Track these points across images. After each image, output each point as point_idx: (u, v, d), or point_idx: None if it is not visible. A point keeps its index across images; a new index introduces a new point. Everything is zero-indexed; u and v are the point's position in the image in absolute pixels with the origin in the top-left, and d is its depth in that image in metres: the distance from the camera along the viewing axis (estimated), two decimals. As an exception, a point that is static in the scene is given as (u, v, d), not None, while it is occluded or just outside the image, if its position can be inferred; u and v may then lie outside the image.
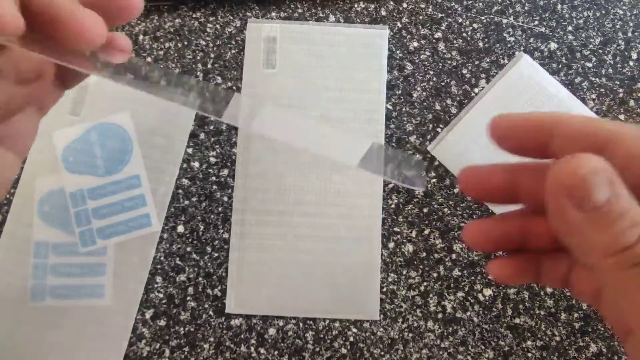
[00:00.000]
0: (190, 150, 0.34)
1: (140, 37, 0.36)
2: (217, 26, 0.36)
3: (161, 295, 0.33)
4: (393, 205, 0.34)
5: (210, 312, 0.32)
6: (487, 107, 0.35)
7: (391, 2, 0.37)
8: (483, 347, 0.32)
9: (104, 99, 0.35)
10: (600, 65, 0.36)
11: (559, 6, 0.37)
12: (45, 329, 0.32)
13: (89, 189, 0.33)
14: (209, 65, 0.36)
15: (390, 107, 0.35)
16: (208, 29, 0.36)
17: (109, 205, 0.33)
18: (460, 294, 0.33)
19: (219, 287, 0.33)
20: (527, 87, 0.35)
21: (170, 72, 0.19)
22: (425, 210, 0.34)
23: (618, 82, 0.36)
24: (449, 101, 0.36)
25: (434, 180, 0.34)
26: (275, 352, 0.32)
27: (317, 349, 0.32)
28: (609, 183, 0.16)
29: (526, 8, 0.37)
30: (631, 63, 0.36)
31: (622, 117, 0.35)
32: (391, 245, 0.33)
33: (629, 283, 0.16)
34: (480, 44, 0.36)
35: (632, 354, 0.18)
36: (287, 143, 0.19)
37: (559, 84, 0.35)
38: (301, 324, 0.32)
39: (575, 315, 0.33)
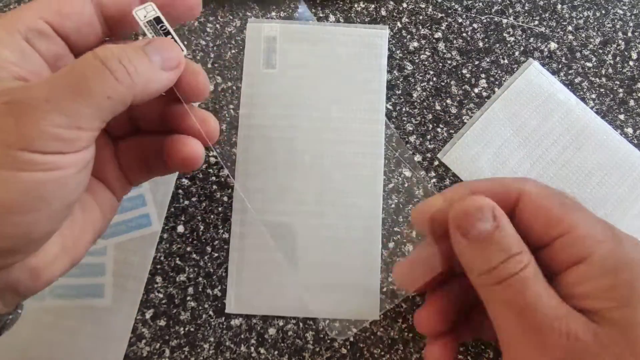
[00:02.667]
0: (190, 150, 0.34)
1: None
2: (217, 26, 0.36)
3: (161, 295, 0.33)
4: (393, 205, 0.34)
5: (210, 312, 0.32)
6: (496, 114, 0.35)
7: (391, 2, 0.37)
8: (483, 347, 0.32)
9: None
10: (600, 65, 0.36)
11: (559, 6, 0.37)
12: (45, 329, 0.32)
13: (89, 189, 0.33)
14: (209, 65, 0.36)
15: (390, 107, 0.35)
16: (208, 29, 0.36)
17: (109, 205, 0.33)
18: (460, 294, 0.33)
19: (219, 287, 0.33)
20: (537, 94, 0.35)
21: None
22: (425, 210, 0.34)
23: (618, 82, 0.36)
24: (449, 101, 0.36)
25: (434, 180, 0.34)
26: (275, 352, 0.32)
27: (317, 349, 0.32)
28: (490, 218, 0.21)
29: (526, 8, 0.37)
30: (631, 63, 0.36)
31: (622, 117, 0.35)
32: (391, 245, 0.33)
33: (492, 296, 0.21)
34: (480, 44, 0.36)
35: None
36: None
37: (568, 91, 0.35)
38: (301, 324, 0.32)
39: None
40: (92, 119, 0.19)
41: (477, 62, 0.36)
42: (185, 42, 0.36)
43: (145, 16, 0.22)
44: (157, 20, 0.23)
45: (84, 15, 0.22)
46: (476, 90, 0.36)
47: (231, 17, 0.37)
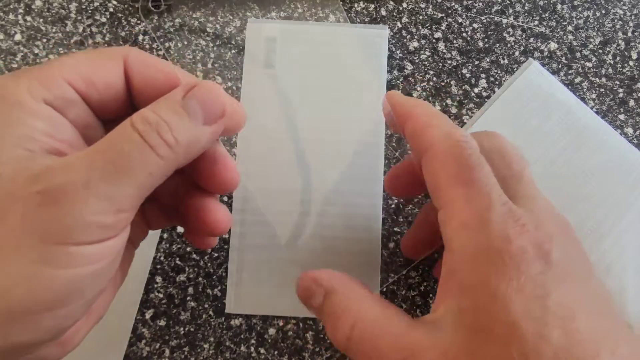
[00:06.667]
0: (190, 150, 0.34)
1: (140, 37, 0.36)
2: (217, 26, 0.36)
3: (161, 295, 0.33)
4: (393, 205, 0.34)
5: (210, 312, 0.32)
6: (496, 115, 0.35)
7: (391, 2, 0.37)
8: (483, 347, 0.32)
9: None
10: (600, 65, 0.36)
11: (559, 6, 0.37)
12: (45, 329, 0.32)
13: (89, 189, 0.33)
14: (209, 65, 0.36)
15: (390, 107, 0.35)
16: (208, 29, 0.36)
17: (109, 205, 0.33)
18: (460, 294, 0.33)
19: (219, 287, 0.33)
20: (536, 94, 0.35)
21: None
22: (425, 210, 0.34)
23: (618, 82, 0.36)
24: (449, 101, 0.36)
25: (434, 180, 0.34)
26: (275, 352, 0.32)
27: (317, 349, 0.32)
28: (319, 291, 0.25)
29: (526, 8, 0.37)
30: (631, 63, 0.36)
31: (622, 117, 0.35)
32: (391, 245, 0.33)
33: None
34: (480, 44, 0.36)
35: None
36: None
37: (568, 91, 0.35)
38: (301, 324, 0.32)
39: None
40: (133, 199, 0.18)
41: (477, 62, 0.36)
42: (186, 42, 0.36)
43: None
44: None
45: (115, 82, 0.20)
46: (476, 90, 0.36)
47: (231, 17, 0.37)
